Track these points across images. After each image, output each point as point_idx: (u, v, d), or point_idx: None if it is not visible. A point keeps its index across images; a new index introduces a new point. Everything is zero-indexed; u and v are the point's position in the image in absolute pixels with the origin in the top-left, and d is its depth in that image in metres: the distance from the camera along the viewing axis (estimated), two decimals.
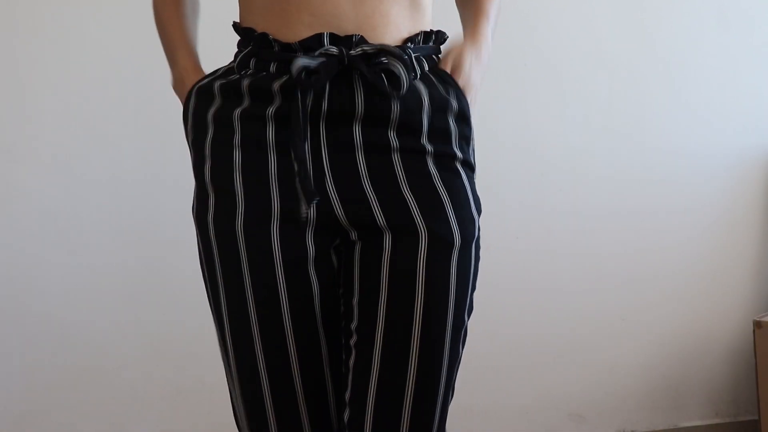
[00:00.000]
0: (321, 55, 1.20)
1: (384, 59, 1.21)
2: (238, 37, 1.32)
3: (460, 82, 1.28)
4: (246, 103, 1.24)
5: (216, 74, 1.31)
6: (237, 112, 1.24)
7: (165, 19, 1.38)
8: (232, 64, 1.31)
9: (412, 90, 1.23)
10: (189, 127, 1.31)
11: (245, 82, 1.24)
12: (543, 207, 2.73)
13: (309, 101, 1.20)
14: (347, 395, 1.22)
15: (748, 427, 2.89)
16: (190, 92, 1.31)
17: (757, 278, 2.92)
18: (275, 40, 1.23)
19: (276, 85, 1.22)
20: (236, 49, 1.32)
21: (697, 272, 2.86)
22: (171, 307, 2.46)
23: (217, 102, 1.27)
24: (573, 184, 2.74)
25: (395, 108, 1.22)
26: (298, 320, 1.22)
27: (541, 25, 2.71)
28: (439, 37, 1.32)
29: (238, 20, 1.34)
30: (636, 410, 2.84)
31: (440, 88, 1.27)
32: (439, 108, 1.26)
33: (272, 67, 1.23)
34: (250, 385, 1.24)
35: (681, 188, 2.82)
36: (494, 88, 2.64)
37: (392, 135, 1.23)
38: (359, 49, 1.20)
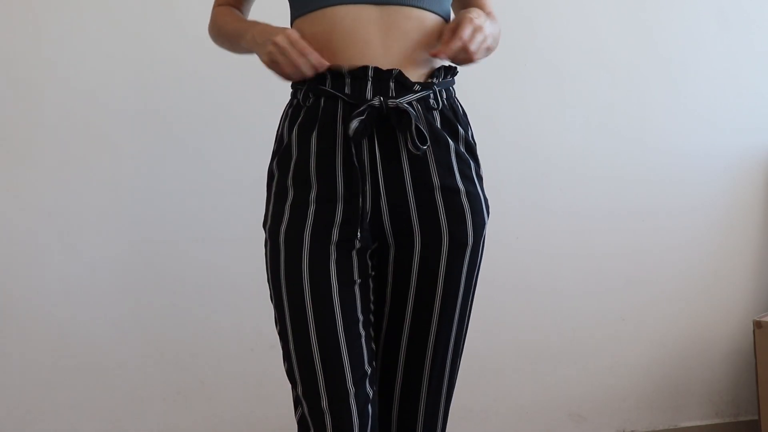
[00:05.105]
0: (365, 107, 1.48)
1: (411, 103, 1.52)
2: None
3: (473, 19, 1.50)
4: (315, 142, 1.53)
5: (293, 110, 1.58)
6: (313, 145, 1.53)
7: (220, 20, 1.66)
8: (295, 97, 1.58)
9: (439, 138, 1.54)
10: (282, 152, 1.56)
11: (316, 126, 1.53)
12: (543, 207, 2.73)
13: (364, 146, 1.51)
14: (380, 351, 1.60)
15: (748, 427, 2.89)
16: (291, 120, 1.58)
17: (757, 278, 2.92)
18: (328, 70, 1.52)
19: (340, 136, 1.52)
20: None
21: (697, 272, 2.86)
22: (171, 307, 2.46)
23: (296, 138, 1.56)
24: (573, 184, 2.74)
25: (430, 156, 1.54)
26: (345, 307, 1.51)
27: (541, 25, 2.71)
28: (455, 71, 1.61)
29: None
30: (636, 410, 2.84)
31: (452, 119, 1.56)
32: (454, 135, 1.57)
33: (327, 84, 1.52)
34: (305, 365, 1.52)
35: (681, 188, 2.83)
36: (495, 89, 2.65)
37: (433, 167, 1.54)
38: (394, 102, 1.48)
